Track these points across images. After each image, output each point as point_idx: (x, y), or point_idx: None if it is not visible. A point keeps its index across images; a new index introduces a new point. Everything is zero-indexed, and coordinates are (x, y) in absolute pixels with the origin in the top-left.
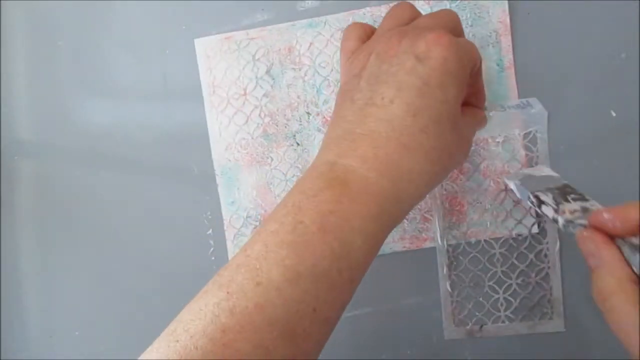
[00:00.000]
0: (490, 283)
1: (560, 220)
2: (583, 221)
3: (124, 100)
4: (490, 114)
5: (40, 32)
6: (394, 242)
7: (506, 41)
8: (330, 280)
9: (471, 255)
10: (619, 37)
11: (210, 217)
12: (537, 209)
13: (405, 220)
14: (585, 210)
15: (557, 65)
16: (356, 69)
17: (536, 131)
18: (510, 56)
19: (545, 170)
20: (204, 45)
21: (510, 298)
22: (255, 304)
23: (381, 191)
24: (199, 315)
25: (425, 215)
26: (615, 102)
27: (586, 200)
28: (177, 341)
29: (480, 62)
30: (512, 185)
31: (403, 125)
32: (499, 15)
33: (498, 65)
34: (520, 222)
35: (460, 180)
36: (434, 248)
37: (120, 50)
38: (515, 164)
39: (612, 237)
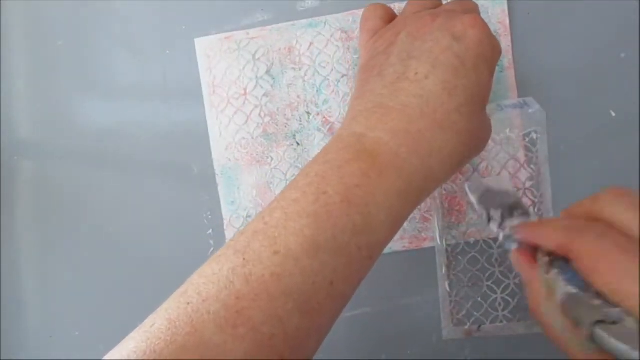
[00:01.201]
0: (489, 283)
1: (501, 236)
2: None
3: (124, 100)
4: (488, 112)
5: (40, 32)
6: (394, 242)
7: (506, 41)
8: (350, 255)
9: (470, 255)
10: (619, 37)
11: (210, 217)
12: (487, 224)
13: None
14: None
15: (556, 65)
16: (382, 47)
17: (535, 132)
18: (510, 56)
19: (504, 183)
20: (204, 45)
21: (508, 298)
22: (271, 273)
23: (410, 168)
24: (212, 279)
25: (425, 215)
26: (615, 102)
27: (528, 216)
28: (189, 304)
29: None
30: (472, 199)
31: (438, 103)
32: (498, 15)
33: (498, 65)
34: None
35: (460, 180)
36: (433, 248)
37: (120, 50)
38: (515, 164)
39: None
